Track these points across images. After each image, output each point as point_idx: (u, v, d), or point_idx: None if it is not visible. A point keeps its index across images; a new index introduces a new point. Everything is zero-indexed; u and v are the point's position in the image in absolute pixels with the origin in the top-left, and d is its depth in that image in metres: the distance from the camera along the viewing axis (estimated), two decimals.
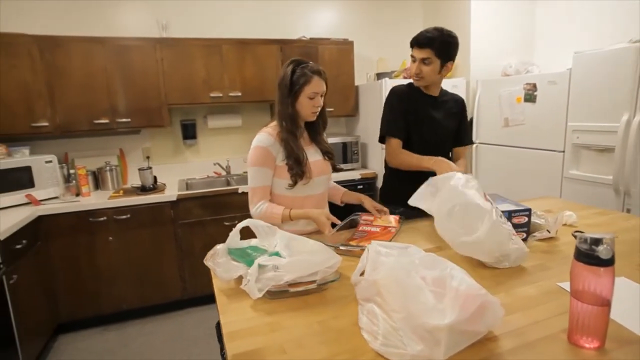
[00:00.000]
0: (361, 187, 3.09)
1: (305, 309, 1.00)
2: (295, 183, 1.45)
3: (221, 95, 2.88)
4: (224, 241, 1.23)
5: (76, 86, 2.56)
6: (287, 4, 3.33)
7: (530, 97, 2.70)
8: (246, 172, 1.59)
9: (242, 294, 1.09)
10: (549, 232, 1.33)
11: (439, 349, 0.74)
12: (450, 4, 3.39)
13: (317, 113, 1.48)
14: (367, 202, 1.61)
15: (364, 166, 3.33)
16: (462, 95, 3.15)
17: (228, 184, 3.10)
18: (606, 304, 0.76)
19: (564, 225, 1.52)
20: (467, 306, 0.76)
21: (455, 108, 1.84)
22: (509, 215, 1.36)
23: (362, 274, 0.95)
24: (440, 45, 1.63)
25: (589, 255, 0.75)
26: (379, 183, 3.10)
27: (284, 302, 1.03)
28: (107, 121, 2.65)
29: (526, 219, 1.37)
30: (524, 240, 1.34)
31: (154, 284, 2.65)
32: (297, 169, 1.43)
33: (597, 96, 2.24)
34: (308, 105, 1.43)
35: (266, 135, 1.45)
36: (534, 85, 2.66)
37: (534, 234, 1.36)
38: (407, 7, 3.71)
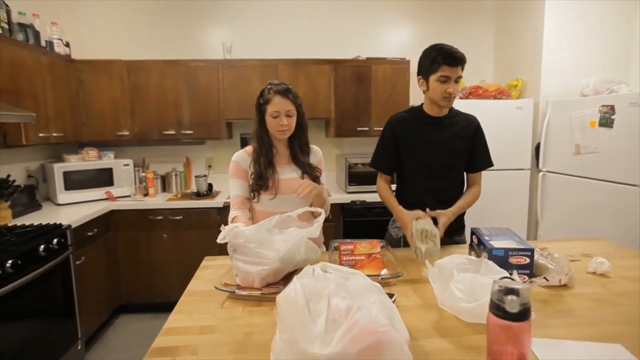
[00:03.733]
0: None
1: (245, 319, 1.03)
2: (254, 196, 1.54)
3: None
4: None
5: (151, 102, 2.99)
6: (346, 24, 3.42)
7: (606, 122, 2.32)
8: None
9: (204, 298, 1.17)
10: (547, 279, 1.14)
11: None
12: (522, 19, 3.11)
13: (286, 132, 1.51)
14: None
15: None
16: (529, 118, 2.89)
17: None
18: None
19: (594, 274, 1.29)
20: (357, 340, 0.72)
21: (466, 130, 1.68)
22: (506, 253, 1.21)
23: None
24: (466, 61, 1.56)
25: (498, 306, 0.65)
26: None
27: (230, 311, 1.08)
28: (173, 132, 3.04)
29: (528, 260, 1.20)
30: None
31: None
32: (256, 185, 1.51)
33: None
34: (273, 124, 1.49)
35: (241, 152, 1.59)
36: (612, 108, 2.28)
37: (534, 279, 1.17)
38: (475, 26, 3.50)
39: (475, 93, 2.91)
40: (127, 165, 3.00)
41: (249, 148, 1.60)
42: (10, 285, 1.69)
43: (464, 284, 1.00)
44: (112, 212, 2.77)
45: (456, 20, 3.49)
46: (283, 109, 1.47)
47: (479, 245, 1.33)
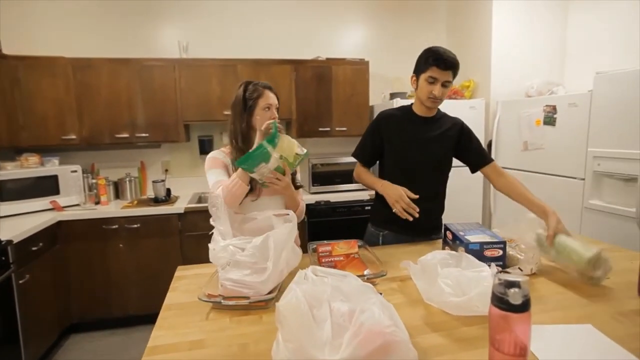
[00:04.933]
0: (369, 207, 3.02)
1: (235, 329, 0.99)
2: None
3: None
4: None
5: (101, 103, 2.78)
6: (305, 25, 3.42)
7: (550, 120, 2.53)
8: None
9: (185, 311, 1.11)
10: (521, 270, 1.22)
11: None
12: (472, 24, 3.30)
13: None
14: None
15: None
16: (481, 117, 3.08)
17: None
18: (523, 354, 0.68)
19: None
20: (366, 343, 0.72)
21: (453, 131, 1.73)
22: (481, 247, 1.27)
23: None
24: (458, 68, 1.58)
25: (501, 299, 0.68)
26: None
27: (218, 322, 1.03)
28: (127, 135, 2.85)
29: (501, 252, 1.28)
30: None
31: (159, 292, 2.72)
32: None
33: (620, 120, 2.05)
34: (264, 117, 1.47)
35: (218, 151, 1.57)
36: (554, 108, 2.49)
37: (507, 270, 1.25)
38: (428, 27, 3.66)
39: None
40: (75, 171, 2.76)
41: (226, 149, 1.56)
42: None
43: (450, 279, 1.04)
44: (60, 224, 2.54)
45: (410, 21, 3.63)
46: (274, 102, 1.50)
47: (454, 241, 1.39)
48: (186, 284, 1.31)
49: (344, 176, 3.16)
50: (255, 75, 3.01)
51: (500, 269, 1.26)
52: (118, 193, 3.02)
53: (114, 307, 2.70)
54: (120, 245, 2.65)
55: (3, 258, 1.89)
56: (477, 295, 0.96)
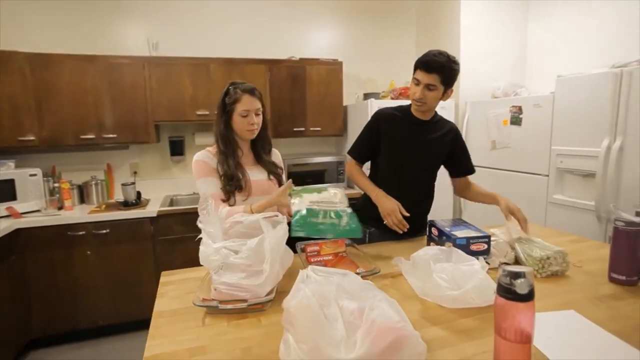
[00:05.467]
0: None
1: (235, 333, 0.97)
2: (228, 198, 1.48)
3: (208, 113, 2.91)
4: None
5: (64, 102, 2.61)
6: (277, 24, 3.39)
7: (516, 120, 2.67)
8: None
9: (178, 317, 1.07)
10: (489, 263, 1.28)
11: None
12: (441, 27, 3.42)
13: (254, 131, 1.51)
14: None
15: (350, 186, 3.30)
16: (452, 117, 3.19)
17: None
18: (527, 340, 0.72)
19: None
20: (379, 340, 0.73)
21: (448, 136, 1.76)
22: (467, 242, 1.32)
23: None
24: (448, 72, 1.56)
25: (508, 289, 0.71)
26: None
27: (216, 327, 1.01)
28: (93, 136, 2.69)
29: (486, 245, 1.33)
30: None
31: (130, 300, 2.62)
32: (229, 186, 1.47)
33: (580, 120, 2.21)
34: (242, 123, 1.47)
35: (204, 152, 1.54)
36: (520, 108, 2.64)
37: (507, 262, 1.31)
38: (400, 28, 3.75)
39: (405, 94, 3.12)
40: (35, 175, 2.58)
41: (212, 149, 1.54)
42: None
43: (445, 273, 1.07)
44: (18, 232, 2.35)
45: (381, 23, 3.69)
46: (252, 107, 1.46)
47: (440, 237, 1.43)
48: (174, 290, 1.26)
49: (319, 176, 3.17)
50: (228, 74, 2.95)
51: (487, 262, 1.33)
52: (83, 197, 2.85)
53: (80, 318, 2.54)
54: (88, 252, 2.50)
55: None
56: (473, 288, 1.00)
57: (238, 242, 1.17)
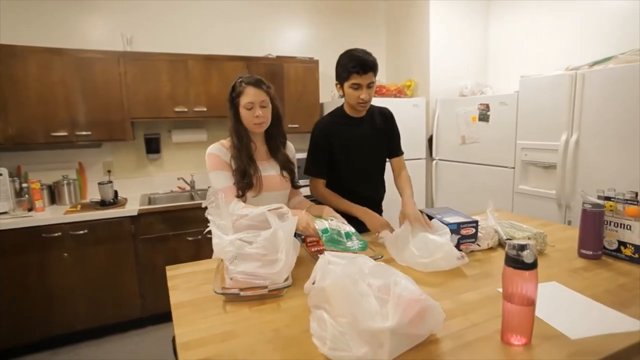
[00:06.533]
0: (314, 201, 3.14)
1: (259, 318, 1.02)
2: (241, 195, 1.48)
3: (186, 110, 2.88)
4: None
5: (32, 97, 2.48)
6: (253, 21, 3.40)
7: (484, 117, 2.88)
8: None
9: (198, 307, 1.10)
10: (479, 245, 1.43)
11: (383, 350, 0.78)
12: (411, 26, 3.58)
13: (262, 124, 1.49)
14: (327, 211, 1.57)
15: None
16: (423, 113, 3.36)
17: (192, 198, 3.07)
18: (531, 303, 0.84)
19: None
20: (408, 311, 0.81)
21: (382, 122, 1.81)
22: (458, 227, 1.45)
23: (314, 282, 0.99)
24: (377, 65, 1.62)
25: (516, 260, 0.83)
26: None
27: (238, 313, 1.05)
28: (65, 134, 2.58)
29: (474, 230, 1.47)
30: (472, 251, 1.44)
31: (111, 302, 2.55)
32: (242, 182, 1.47)
33: (541, 117, 2.44)
34: (248, 117, 1.47)
35: (218, 145, 1.53)
36: (487, 106, 2.85)
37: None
38: (369, 27, 3.88)
39: (379, 92, 3.26)
40: (0, 175, 2.43)
41: (225, 142, 1.54)
42: None
43: (419, 244, 1.32)
44: None
45: (352, 21, 3.79)
46: (257, 99, 1.45)
47: None
48: (184, 282, 1.28)
49: (299, 171, 3.22)
50: (207, 71, 2.93)
51: (477, 244, 1.47)
52: (54, 198, 2.72)
53: (55, 324, 2.43)
54: (65, 254, 2.40)
55: None
56: (440, 258, 1.25)
57: (251, 233, 1.22)
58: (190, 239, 2.66)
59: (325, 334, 0.84)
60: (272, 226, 1.25)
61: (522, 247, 0.83)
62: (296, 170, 1.67)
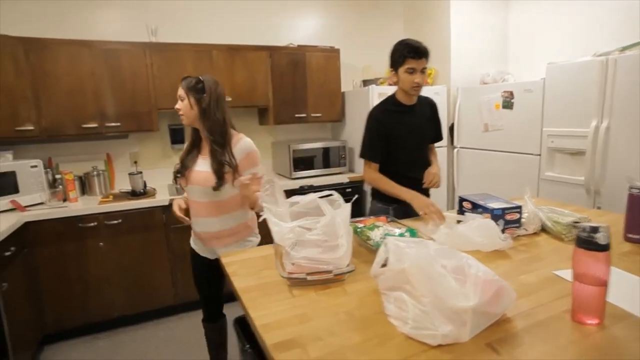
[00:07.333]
0: (349, 190, 3.18)
1: (328, 301, 1.06)
2: (175, 181, 1.73)
3: None
4: None
5: (63, 90, 2.51)
6: (273, 10, 3.39)
7: (507, 104, 2.88)
8: None
9: (264, 291, 1.14)
10: (526, 230, 1.46)
11: (465, 329, 0.82)
12: (430, 15, 3.56)
13: (182, 117, 1.65)
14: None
15: (351, 170, 3.42)
16: (444, 101, 3.37)
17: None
18: (604, 284, 0.87)
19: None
20: (486, 290, 0.85)
21: (430, 112, 2.00)
22: (503, 212, 1.48)
23: (382, 266, 1.03)
24: (429, 53, 1.77)
25: (589, 242, 0.86)
26: (367, 186, 3.20)
27: (306, 297, 1.09)
28: (95, 125, 2.61)
29: (518, 215, 1.50)
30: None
31: (145, 290, 2.62)
32: (178, 169, 1.69)
33: (569, 103, 2.44)
34: None
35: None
36: (511, 93, 2.85)
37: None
38: (387, 16, 3.86)
39: None
40: (36, 166, 2.47)
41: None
42: None
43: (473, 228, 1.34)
44: (26, 226, 2.27)
45: (370, 11, 3.78)
46: (179, 94, 1.64)
47: (474, 209, 1.58)
48: (243, 268, 1.32)
49: (325, 160, 3.26)
50: (230, 61, 2.94)
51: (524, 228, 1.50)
52: (84, 188, 2.77)
53: (92, 311, 2.51)
54: (100, 244, 2.46)
55: None
56: (485, 239, 1.31)
57: (309, 220, 1.25)
58: None
59: (406, 314, 0.88)
60: (325, 213, 1.29)
61: (595, 229, 0.86)
62: (256, 169, 1.66)
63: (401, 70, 1.76)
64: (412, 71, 1.74)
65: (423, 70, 1.76)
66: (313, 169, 3.22)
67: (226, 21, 3.21)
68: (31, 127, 2.45)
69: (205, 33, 3.11)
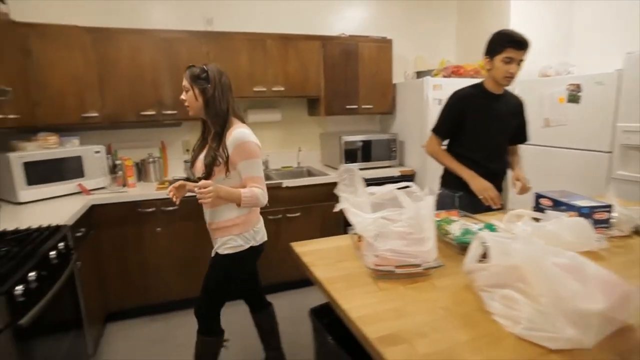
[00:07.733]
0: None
1: (418, 296, 1.03)
2: (190, 167, 1.79)
3: (264, 89, 2.90)
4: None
5: (124, 77, 2.58)
6: (326, 0, 3.34)
7: (574, 98, 2.72)
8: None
9: (349, 283, 1.11)
10: (622, 231, 1.36)
11: (590, 334, 0.76)
12: (488, 7, 3.40)
13: (186, 107, 1.64)
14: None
15: (402, 164, 3.34)
16: None
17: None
18: None
19: None
20: (611, 293, 0.79)
21: (515, 107, 1.99)
22: (591, 211, 1.39)
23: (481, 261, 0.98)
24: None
25: None
26: (417, 180, 3.12)
27: (394, 290, 1.06)
28: (153, 113, 2.67)
29: (607, 215, 1.40)
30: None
31: (199, 276, 2.66)
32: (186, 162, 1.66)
33: None
34: None
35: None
36: (578, 86, 2.68)
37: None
38: (440, 7, 3.71)
39: (457, 72, 3.14)
40: (99, 152, 2.56)
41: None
42: (40, 303, 1.37)
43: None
44: (92, 208, 2.36)
45: (424, 4, 3.65)
46: (184, 83, 1.59)
47: (556, 207, 1.49)
48: (319, 259, 1.30)
49: (375, 152, 3.20)
50: (284, 50, 2.93)
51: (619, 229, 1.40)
52: (140, 175, 2.85)
53: (151, 293, 2.59)
54: (158, 229, 2.53)
55: (68, 244, 1.75)
56: (576, 238, 1.21)
57: (393, 211, 1.22)
58: (270, 217, 2.72)
59: (517, 313, 0.83)
60: (404, 205, 1.25)
61: None
62: (242, 161, 1.55)
63: (498, 58, 1.76)
64: (509, 60, 1.74)
65: (519, 62, 1.76)
66: (363, 161, 3.17)
67: (279, 10, 3.19)
68: (96, 114, 2.54)
69: (259, 23, 3.10)
